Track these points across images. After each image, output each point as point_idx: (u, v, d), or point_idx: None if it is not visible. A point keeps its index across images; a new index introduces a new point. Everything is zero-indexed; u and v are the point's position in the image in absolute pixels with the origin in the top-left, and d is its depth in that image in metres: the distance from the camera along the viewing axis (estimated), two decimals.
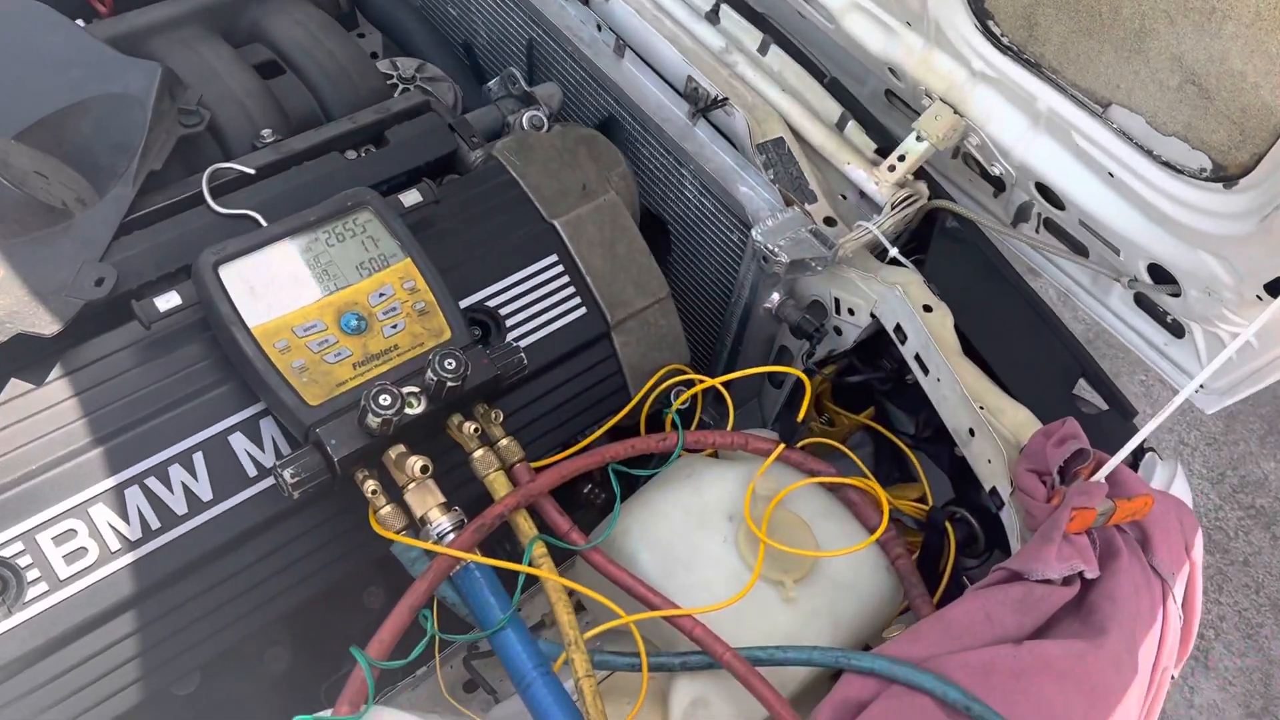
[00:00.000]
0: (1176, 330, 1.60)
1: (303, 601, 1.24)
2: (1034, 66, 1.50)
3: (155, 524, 1.16)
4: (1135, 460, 1.49)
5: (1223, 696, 2.57)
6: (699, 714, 1.17)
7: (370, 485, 1.16)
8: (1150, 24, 1.28)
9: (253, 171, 1.35)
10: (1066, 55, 1.44)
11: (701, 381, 1.45)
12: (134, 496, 1.16)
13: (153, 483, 1.17)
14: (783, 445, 1.35)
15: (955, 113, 1.64)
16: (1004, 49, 1.53)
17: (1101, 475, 1.21)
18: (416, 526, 1.18)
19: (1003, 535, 1.43)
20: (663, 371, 1.49)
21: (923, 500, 1.56)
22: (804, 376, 1.44)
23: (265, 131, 1.42)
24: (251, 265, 1.20)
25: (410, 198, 1.33)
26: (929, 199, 1.68)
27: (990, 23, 1.53)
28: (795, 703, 1.21)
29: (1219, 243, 1.37)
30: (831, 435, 1.67)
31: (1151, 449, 1.52)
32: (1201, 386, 1.61)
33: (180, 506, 1.17)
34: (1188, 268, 1.45)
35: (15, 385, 1.15)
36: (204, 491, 1.19)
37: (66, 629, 1.11)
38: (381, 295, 1.24)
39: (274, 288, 1.20)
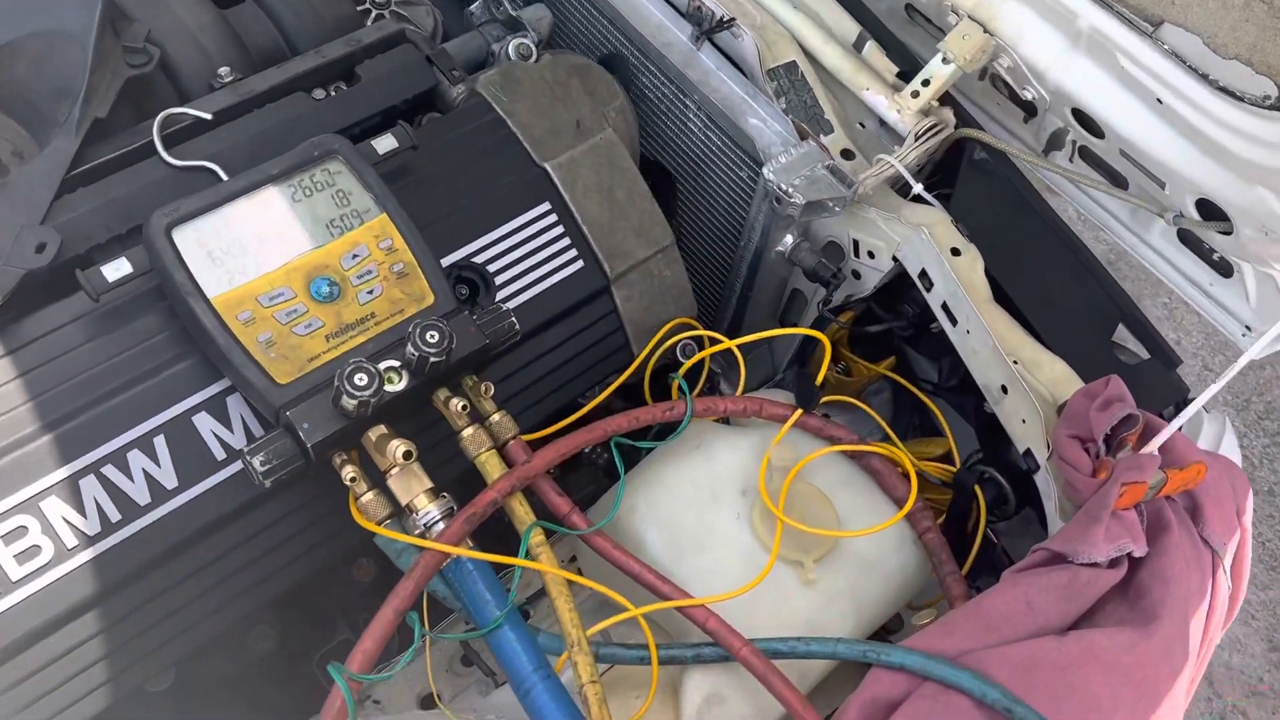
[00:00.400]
0: (1224, 269, 1.48)
1: (281, 592, 1.15)
2: None
3: (115, 516, 1.06)
4: (1179, 411, 1.39)
5: (1245, 631, 2.51)
6: (713, 711, 1.08)
7: (349, 472, 1.06)
8: None
9: (209, 116, 1.22)
10: None
11: (712, 341, 1.33)
12: (90, 487, 1.05)
13: (110, 471, 1.06)
14: (800, 411, 1.24)
15: (985, 31, 1.49)
16: None
17: (1154, 446, 1.10)
18: (401, 514, 1.08)
19: (1033, 493, 1.33)
20: (668, 326, 1.38)
21: (947, 458, 1.46)
22: (823, 338, 1.32)
23: (223, 70, 1.28)
24: (209, 227, 1.08)
25: (384, 144, 1.19)
26: (956, 128, 1.54)
27: None
28: (818, 693, 1.13)
29: None
30: (848, 386, 1.56)
31: (1193, 397, 1.41)
32: (1248, 329, 1.50)
33: (142, 496, 1.07)
34: (1243, 204, 1.32)
35: None
36: (168, 479, 1.08)
37: (21, 635, 1.01)
38: (355, 257, 1.11)
39: (235, 252, 1.08)
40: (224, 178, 1.18)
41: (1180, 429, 1.25)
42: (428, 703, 1.32)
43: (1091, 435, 1.14)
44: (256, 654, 1.35)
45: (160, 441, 1.08)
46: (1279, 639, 2.51)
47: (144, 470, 1.08)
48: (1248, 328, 1.49)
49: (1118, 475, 1.06)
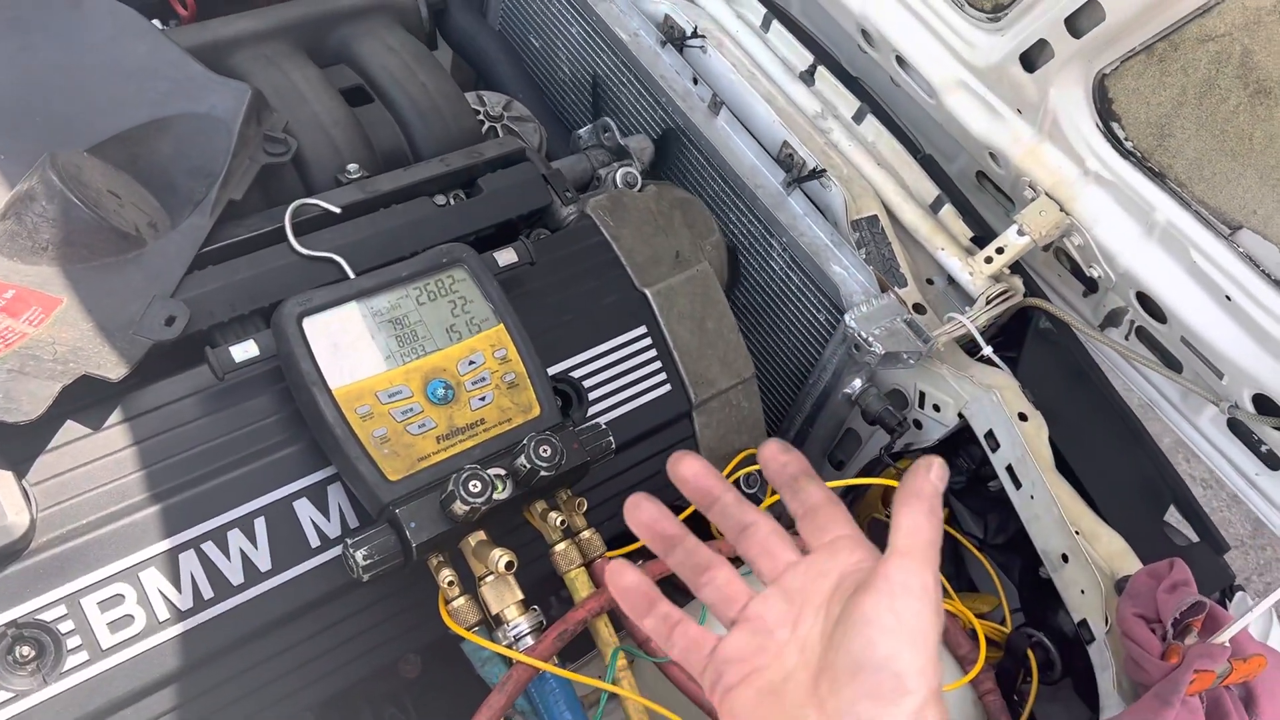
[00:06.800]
0: (1271, 461, 1.53)
1: (350, 684, 1.15)
2: (1158, 176, 1.43)
3: (208, 594, 1.07)
4: (1224, 598, 1.43)
5: None
6: None
7: (446, 575, 1.07)
8: None
9: (339, 210, 1.26)
10: (1199, 172, 1.38)
11: None
12: (188, 562, 1.06)
13: (209, 548, 1.07)
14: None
15: (1061, 210, 1.57)
16: (1126, 154, 1.46)
17: (1226, 636, 1.13)
18: (490, 623, 1.09)
19: (1077, 661, 1.36)
20: (740, 457, 1.41)
21: (994, 614, 1.48)
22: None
23: (351, 166, 1.33)
24: (337, 320, 1.11)
25: (505, 257, 1.24)
26: (1024, 296, 1.60)
27: (1115, 125, 1.46)
28: None
29: None
30: None
31: (1241, 587, 1.45)
32: None
33: (236, 576, 1.08)
34: None
35: (71, 428, 1.06)
36: (263, 561, 1.09)
37: (103, 703, 1.01)
38: (471, 363, 1.15)
39: (359, 346, 1.11)
40: (348, 270, 1.22)
41: (1226, 609, 1.29)
42: None
43: (1158, 616, 1.17)
44: None
45: (260, 523, 1.10)
46: None
47: (241, 550, 1.09)
48: None
49: (1190, 662, 1.09)
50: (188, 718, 1.06)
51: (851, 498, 1.66)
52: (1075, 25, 1.39)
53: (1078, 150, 1.52)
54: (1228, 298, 1.41)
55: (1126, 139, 1.46)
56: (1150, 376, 1.66)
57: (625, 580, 0.77)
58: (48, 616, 1.00)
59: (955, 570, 1.70)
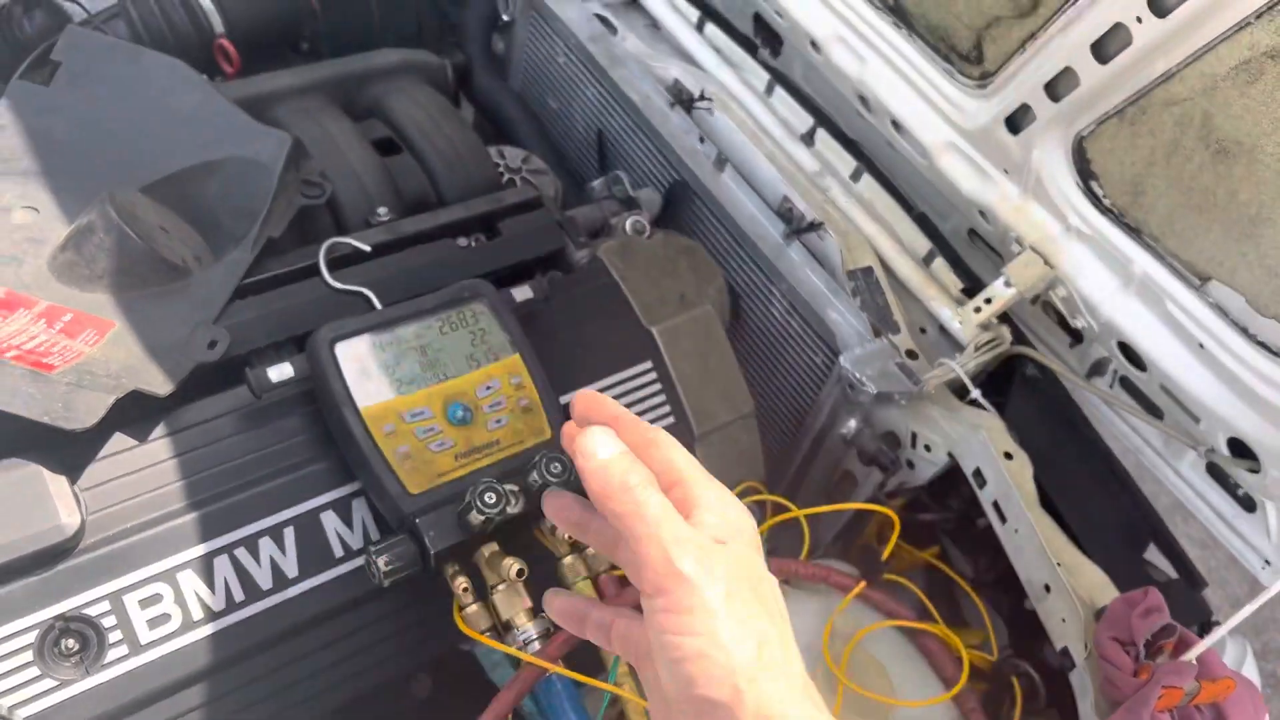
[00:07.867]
0: (1248, 504, 1.60)
1: (372, 687, 1.22)
2: (1134, 232, 1.53)
3: (239, 596, 1.14)
4: (1202, 631, 1.49)
5: None
6: None
7: (461, 582, 1.15)
8: (1269, 214, 1.31)
9: (369, 249, 1.36)
10: (1170, 226, 1.47)
11: (782, 508, 1.45)
12: (222, 566, 1.14)
13: (242, 554, 1.15)
14: (864, 582, 1.34)
15: (1045, 263, 1.66)
16: (1104, 210, 1.56)
17: (1193, 655, 1.20)
18: (500, 629, 1.16)
19: (1060, 691, 1.42)
20: (739, 489, 1.49)
21: (983, 647, 1.54)
22: (894, 515, 1.44)
23: (381, 210, 1.44)
24: (366, 345, 1.21)
25: (522, 293, 1.34)
26: (1011, 344, 1.69)
27: (1094, 183, 1.56)
28: None
29: None
30: (891, 569, 1.66)
31: (1218, 622, 1.51)
32: (1268, 563, 1.61)
33: (266, 581, 1.16)
34: (1273, 448, 1.46)
35: (119, 439, 1.15)
36: (290, 568, 1.17)
37: (139, 695, 1.08)
38: (488, 389, 1.24)
39: (386, 370, 1.20)
40: (376, 303, 1.32)
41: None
42: None
43: (1132, 639, 1.24)
44: None
45: (289, 532, 1.18)
46: None
47: (271, 557, 1.17)
48: (1267, 561, 1.60)
49: (1158, 678, 1.16)
50: (217, 713, 1.13)
51: (849, 536, 1.73)
52: (1054, 91, 1.50)
53: (1060, 207, 1.61)
54: (1201, 345, 1.49)
55: (1104, 196, 1.56)
56: (1134, 423, 1.73)
57: (555, 606, 0.89)
58: (93, 611, 1.07)
59: (949, 609, 1.76)
